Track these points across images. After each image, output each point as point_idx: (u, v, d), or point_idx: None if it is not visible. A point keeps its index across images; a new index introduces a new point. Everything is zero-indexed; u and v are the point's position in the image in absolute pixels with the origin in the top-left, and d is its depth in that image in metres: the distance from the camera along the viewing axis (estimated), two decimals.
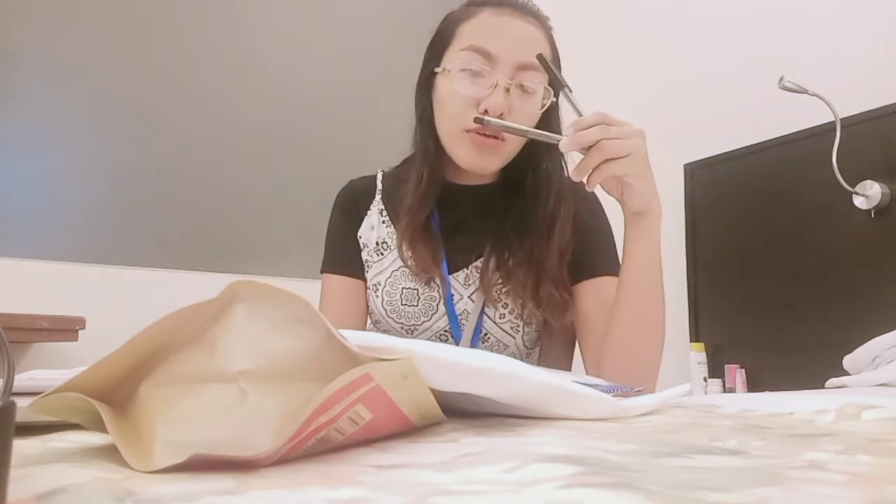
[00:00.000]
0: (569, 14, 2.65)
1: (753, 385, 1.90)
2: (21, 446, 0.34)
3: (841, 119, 1.72)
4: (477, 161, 0.90)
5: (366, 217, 1.02)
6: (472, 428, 0.43)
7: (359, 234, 1.01)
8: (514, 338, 0.95)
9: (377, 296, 0.97)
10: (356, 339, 0.36)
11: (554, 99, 0.92)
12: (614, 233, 1.00)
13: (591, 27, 2.64)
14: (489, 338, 0.94)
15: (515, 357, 0.97)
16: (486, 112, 0.86)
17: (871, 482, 0.26)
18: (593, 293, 0.94)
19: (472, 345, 0.93)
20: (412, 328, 0.95)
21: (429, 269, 0.93)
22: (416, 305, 0.95)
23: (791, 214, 1.89)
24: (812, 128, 1.84)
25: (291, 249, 1.94)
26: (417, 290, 0.95)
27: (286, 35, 2.11)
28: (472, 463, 0.31)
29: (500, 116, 0.85)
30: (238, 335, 0.34)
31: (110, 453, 0.32)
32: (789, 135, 1.91)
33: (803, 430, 0.43)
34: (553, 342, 1.05)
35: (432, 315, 0.94)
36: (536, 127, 0.89)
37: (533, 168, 0.96)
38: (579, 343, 0.98)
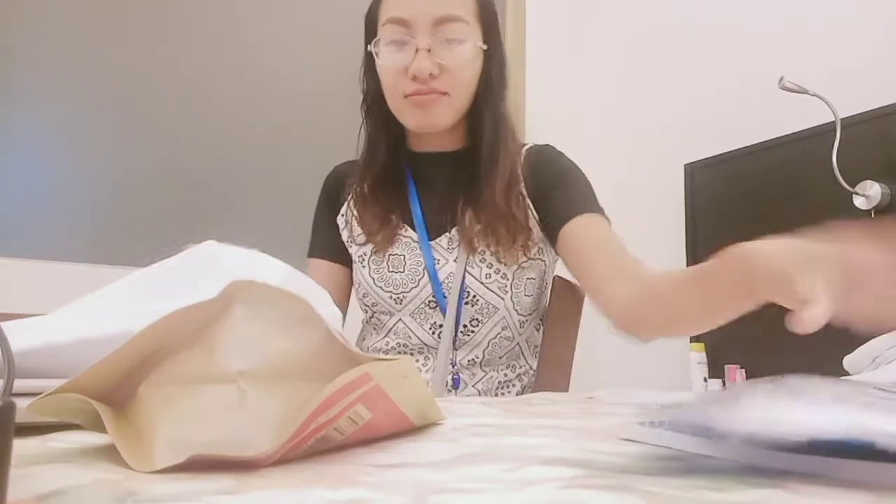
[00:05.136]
0: (568, 13, 2.65)
1: None
2: (21, 446, 0.34)
3: (841, 119, 1.72)
4: (424, 120, 0.93)
5: (349, 198, 1.05)
6: (472, 428, 0.43)
7: (342, 212, 1.05)
8: (503, 299, 0.96)
9: (364, 266, 0.99)
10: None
11: (484, 47, 0.94)
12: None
13: (590, 27, 2.64)
14: (478, 300, 0.95)
15: (507, 323, 0.97)
16: (414, 77, 0.89)
17: (871, 482, 0.26)
18: (577, 233, 0.94)
19: (458, 308, 0.94)
20: (401, 296, 0.96)
21: (377, 234, 0.97)
22: (403, 272, 0.97)
23: (791, 214, 1.89)
24: (812, 128, 1.84)
25: (291, 249, 1.93)
26: (404, 255, 0.97)
27: (287, 36, 2.11)
28: (473, 462, 0.31)
29: (431, 76, 0.89)
30: (237, 335, 0.34)
31: (110, 453, 0.32)
32: (789, 135, 1.91)
33: None
34: (554, 345, 1.05)
35: (419, 280, 0.96)
36: (479, 79, 0.94)
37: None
38: (580, 282, 0.96)
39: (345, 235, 1.04)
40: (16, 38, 1.71)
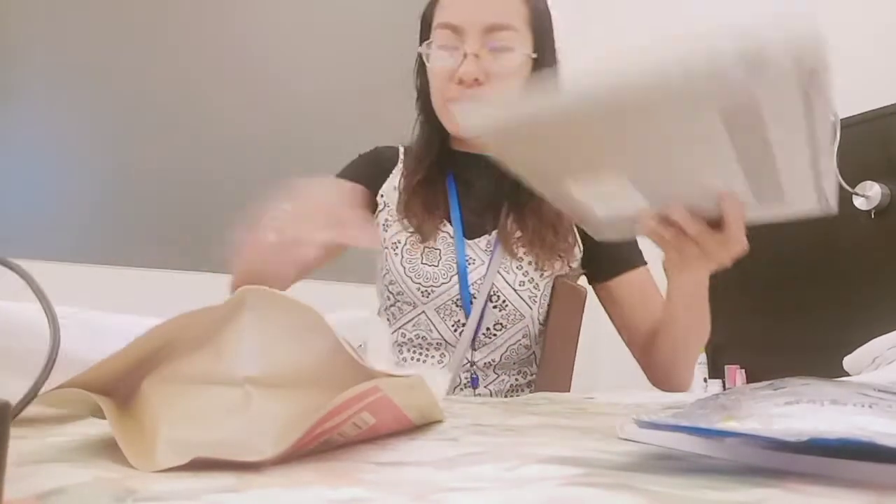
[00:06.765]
0: (568, 12, 2.65)
1: None
2: (20, 444, 0.34)
3: (841, 119, 1.72)
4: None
5: (389, 177, 1.04)
6: (473, 427, 0.43)
7: (381, 192, 1.04)
8: (532, 308, 0.96)
9: (396, 253, 0.98)
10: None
11: (534, 55, 0.94)
12: None
13: (589, 27, 2.64)
14: (507, 305, 0.95)
15: (528, 331, 0.97)
16: (460, 82, 0.90)
17: (871, 482, 0.26)
18: (634, 286, 1.00)
19: (483, 311, 0.94)
20: (428, 290, 0.95)
21: (423, 225, 0.97)
22: (437, 266, 0.96)
23: None
24: None
25: None
26: (440, 250, 0.97)
27: (287, 36, 2.11)
28: (473, 461, 0.31)
29: (476, 81, 0.89)
30: (245, 342, 0.34)
31: (110, 451, 0.32)
32: None
33: None
34: (555, 346, 1.05)
35: (451, 277, 0.95)
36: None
37: None
38: (623, 335, 1.03)
39: (381, 217, 1.02)
40: (16, 38, 1.71)
